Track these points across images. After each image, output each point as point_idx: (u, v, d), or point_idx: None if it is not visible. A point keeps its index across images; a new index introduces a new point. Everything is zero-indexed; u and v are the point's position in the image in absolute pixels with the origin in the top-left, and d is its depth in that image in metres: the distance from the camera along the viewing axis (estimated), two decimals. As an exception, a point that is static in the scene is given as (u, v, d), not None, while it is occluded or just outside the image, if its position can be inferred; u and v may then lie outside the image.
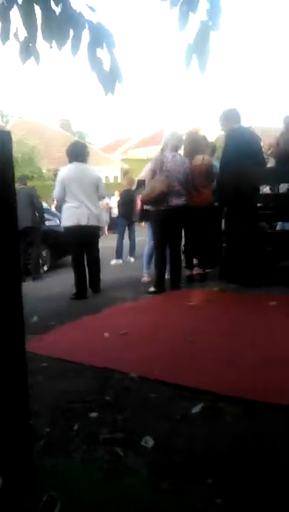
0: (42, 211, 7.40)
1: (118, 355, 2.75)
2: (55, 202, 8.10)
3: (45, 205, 9.77)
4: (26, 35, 2.58)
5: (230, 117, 4.80)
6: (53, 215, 8.61)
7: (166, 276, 4.79)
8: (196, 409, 1.96)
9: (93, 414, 2.01)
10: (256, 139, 4.87)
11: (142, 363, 2.57)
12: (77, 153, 4.90)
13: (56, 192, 4.86)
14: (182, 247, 5.09)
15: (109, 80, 2.49)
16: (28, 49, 2.63)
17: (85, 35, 2.47)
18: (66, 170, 4.81)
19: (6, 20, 2.57)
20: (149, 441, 1.71)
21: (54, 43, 2.53)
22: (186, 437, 1.73)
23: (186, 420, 1.89)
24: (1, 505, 1.10)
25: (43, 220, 7.40)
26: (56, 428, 1.90)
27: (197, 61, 2.49)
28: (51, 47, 2.57)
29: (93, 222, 4.79)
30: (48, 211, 9.03)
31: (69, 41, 2.49)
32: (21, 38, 2.63)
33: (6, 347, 1.47)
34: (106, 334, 3.18)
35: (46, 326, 3.57)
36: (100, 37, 2.44)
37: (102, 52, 2.49)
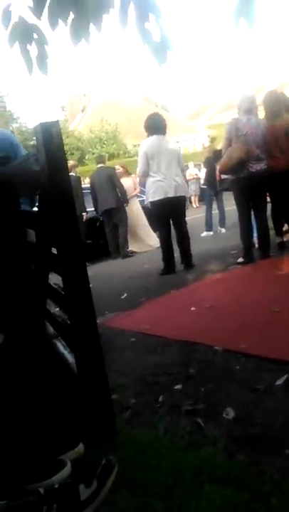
0: (123, 190, 7.55)
1: (203, 328, 2.77)
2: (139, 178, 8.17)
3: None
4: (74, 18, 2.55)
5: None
6: (141, 192, 8.72)
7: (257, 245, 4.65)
8: (280, 381, 1.92)
9: (177, 387, 2.07)
10: None
11: (226, 335, 2.56)
12: (156, 125, 4.83)
13: (140, 167, 4.86)
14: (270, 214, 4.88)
15: (161, 50, 2.45)
16: (78, 31, 2.62)
17: (131, 10, 2.43)
18: (147, 144, 4.77)
19: (53, 8, 2.54)
20: (230, 413, 1.73)
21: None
22: (267, 409, 1.71)
23: (269, 392, 1.86)
24: (83, 470, 1.21)
25: (125, 199, 7.57)
26: (142, 400, 1.99)
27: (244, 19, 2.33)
28: (89, 33, 2.54)
29: (181, 193, 4.75)
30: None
31: (116, 18, 2.45)
32: (69, 22, 2.56)
33: (79, 320, 1.57)
34: (192, 308, 3.21)
35: (135, 302, 3.71)
36: (145, 9, 2.40)
37: (150, 25, 2.45)
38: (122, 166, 8.54)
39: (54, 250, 1.80)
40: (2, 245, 2.34)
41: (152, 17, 2.45)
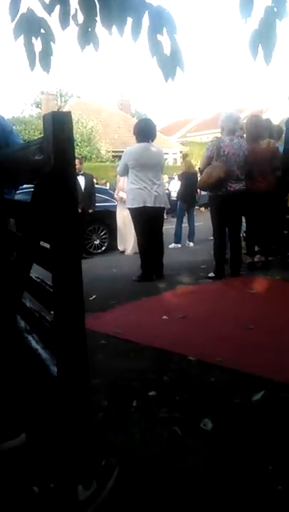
0: (94, 196, 7.60)
1: (177, 337, 2.75)
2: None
3: (102, 186, 9.89)
4: (84, 19, 2.51)
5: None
6: (110, 195, 8.64)
7: None
8: (256, 396, 1.93)
9: (151, 393, 2.04)
10: None
11: (201, 346, 2.56)
12: (146, 133, 4.73)
13: (119, 170, 4.97)
14: (243, 234, 4.98)
15: (170, 65, 2.42)
16: (87, 34, 2.56)
17: (145, 20, 2.40)
18: (131, 153, 4.68)
19: (65, 4, 2.49)
20: (208, 424, 1.72)
21: (114, 28, 2.46)
22: (246, 424, 1.71)
23: (246, 406, 1.86)
24: (62, 469, 1.15)
25: (94, 204, 7.59)
26: (115, 403, 1.95)
27: (262, 51, 2.37)
28: (111, 33, 2.51)
29: (160, 204, 4.74)
30: (106, 192, 9.11)
31: (129, 26, 2.42)
32: (80, 22, 2.54)
33: (66, 321, 1.52)
34: (164, 317, 3.20)
35: (105, 304, 3.65)
36: (160, 21, 2.37)
37: (162, 37, 2.43)
38: None
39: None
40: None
41: (165, 30, 2.41)
